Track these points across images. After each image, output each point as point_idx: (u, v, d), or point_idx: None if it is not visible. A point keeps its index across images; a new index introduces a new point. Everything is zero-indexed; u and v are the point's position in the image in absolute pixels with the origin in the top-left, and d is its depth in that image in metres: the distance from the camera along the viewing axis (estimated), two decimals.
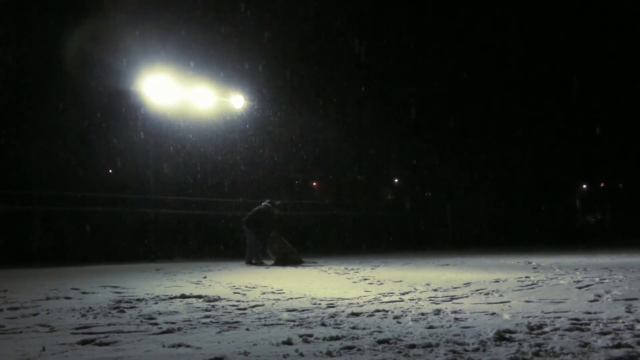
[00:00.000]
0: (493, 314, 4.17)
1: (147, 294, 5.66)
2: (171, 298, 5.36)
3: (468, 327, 3.61)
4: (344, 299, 5.25)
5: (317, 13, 19.77)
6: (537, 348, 2.95)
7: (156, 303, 5.06)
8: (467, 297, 5.29)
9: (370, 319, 4.06)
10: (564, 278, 6.75)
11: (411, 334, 3.43)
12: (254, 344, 3.20)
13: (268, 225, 11.15)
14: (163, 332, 3.61)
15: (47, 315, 4.37)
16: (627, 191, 28.10)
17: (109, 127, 15.46)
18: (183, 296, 5.44)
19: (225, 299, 5.36)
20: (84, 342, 3.31)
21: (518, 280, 6.61)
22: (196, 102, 14.01)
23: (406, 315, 4.14)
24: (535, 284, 6.22)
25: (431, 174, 23.43)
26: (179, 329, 3.71)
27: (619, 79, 26.46)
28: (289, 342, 3.21)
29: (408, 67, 22.21)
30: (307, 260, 11.33)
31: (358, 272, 8.61)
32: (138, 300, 5.25)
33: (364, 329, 3.64)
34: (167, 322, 3.97)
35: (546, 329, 3.47)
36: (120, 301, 5.14)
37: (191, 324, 3.90)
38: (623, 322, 3.64)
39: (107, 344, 3.27)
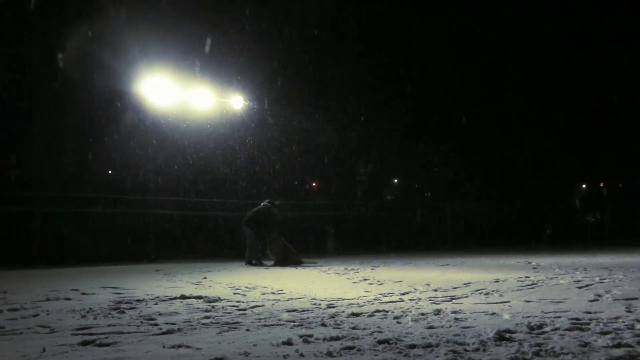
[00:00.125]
0: (493, 314, 4.17)
1: (147, 295, 5.66)
2: (171, 299, 5.36)
3: (468, 327, 3.61)
4: (344, 300, 5.25)
5: (317, 13, 19.77)
6: (537, 348, 2.95)
7: (156, 304, 5.06)
8: (467, 297, 5.29)
9: (371, 319, 4.06)
10: (563, 278, 6.76)
11: (411, 334, 3.43)
12: (254, 345, 3.20)
13: (268, 225, 11.16)
14: (163, 333, 3.61)
15: (47, 316, 4.37)
16: (627, 191, 28.08)
17: (108, 128, 15.46)
18: (183, 297, 5.44)
19: (225, 299, 5.36)
20: (84, 343, 3.31)
21: (518, 280, 6.61)
22: (196, 103, 14.02)
23: (406, 316, 4.14)
24: (535, 283, 6.22)
25: (431, 174, 23.45)
26: (179, 330, 3.71)
27: (619, 79, 26.50)
28: (289, 343, 3.21)
29: (409, 68, 22.23)
30: (307, 261, 11.33)
31: (358, 272, 8.61)
32: (138, 301, 5.25)
33: (364, 329, 3.64)
34: (167, 323, 3.97)
35: (546, 329, 3.47)
36: (120, 302, 5.13)
37: (191, 325, 3.90)
38: (623, 322, 3.64)
39: (107, 345, 3.27)
